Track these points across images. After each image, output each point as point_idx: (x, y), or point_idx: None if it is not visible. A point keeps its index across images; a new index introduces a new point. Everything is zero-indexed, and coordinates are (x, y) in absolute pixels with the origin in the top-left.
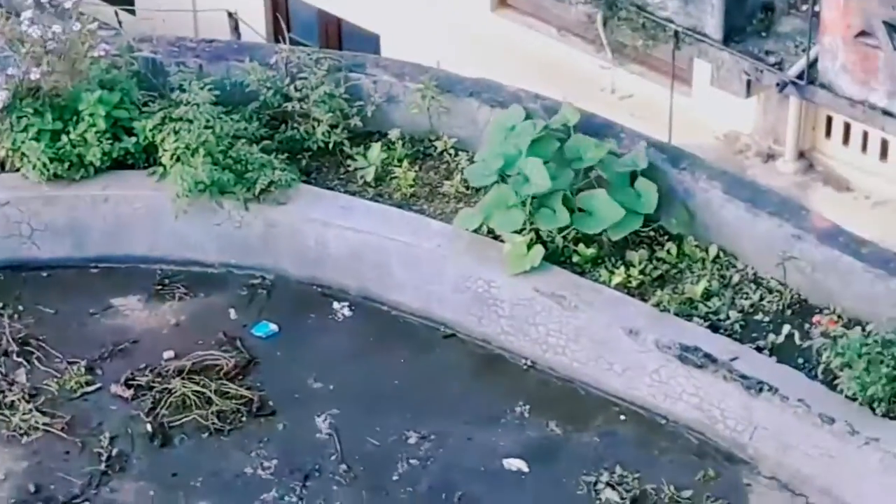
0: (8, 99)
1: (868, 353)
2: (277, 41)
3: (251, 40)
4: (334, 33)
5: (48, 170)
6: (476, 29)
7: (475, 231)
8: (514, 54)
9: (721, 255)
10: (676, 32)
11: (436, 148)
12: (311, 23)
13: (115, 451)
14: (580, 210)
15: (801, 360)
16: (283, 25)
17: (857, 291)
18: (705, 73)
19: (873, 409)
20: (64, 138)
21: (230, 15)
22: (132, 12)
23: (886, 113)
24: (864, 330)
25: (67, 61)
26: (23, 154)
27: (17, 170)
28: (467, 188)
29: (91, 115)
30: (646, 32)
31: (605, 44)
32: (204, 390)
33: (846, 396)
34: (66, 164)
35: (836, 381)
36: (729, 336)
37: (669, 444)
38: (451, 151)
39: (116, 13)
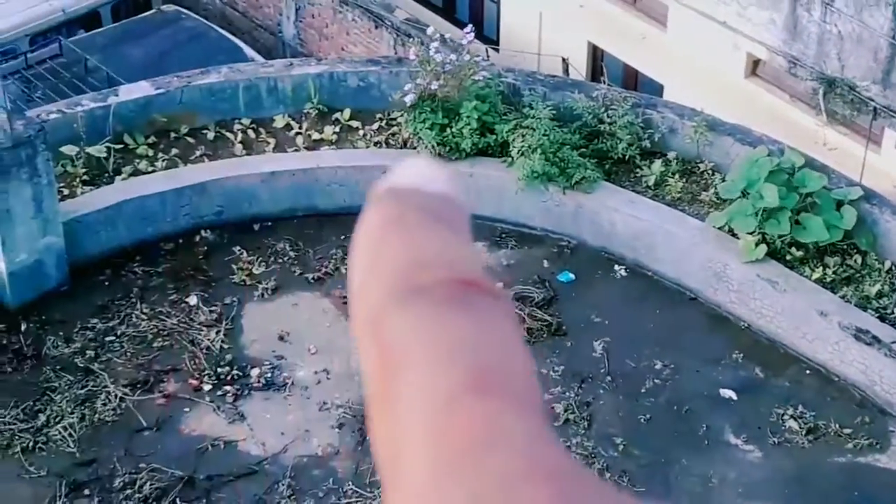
0: (414, 99)
1: None
2: (595, 81)
3: (577, 79)
4: (632, 79)
5: (435, 150)
6: (732, 88)
7: (720, 228)
8: (758, 109)
9: (893, 268)
10: (875, 108)
11: (699, 168)
12: (617, 72)
13: None
14: (798, 223)
15: None
16: (603, 71)
17: None
18: (892, 138)
19: None
20: (448, 131)
21: (563, 60)
22: (497, 50)
23: None
24: None
25: (456, 79)
26: (419, 138)
27: (414, 148)
28: (718, 199)
29: (468, 117)
30: (853, 105)
31: (822, 110)
32: (519, 313)
33: None
34: (448, 148)
35: None
36: (892, 325)
37: (839, 395)
38: (710, 172)
39: (486, 49)
